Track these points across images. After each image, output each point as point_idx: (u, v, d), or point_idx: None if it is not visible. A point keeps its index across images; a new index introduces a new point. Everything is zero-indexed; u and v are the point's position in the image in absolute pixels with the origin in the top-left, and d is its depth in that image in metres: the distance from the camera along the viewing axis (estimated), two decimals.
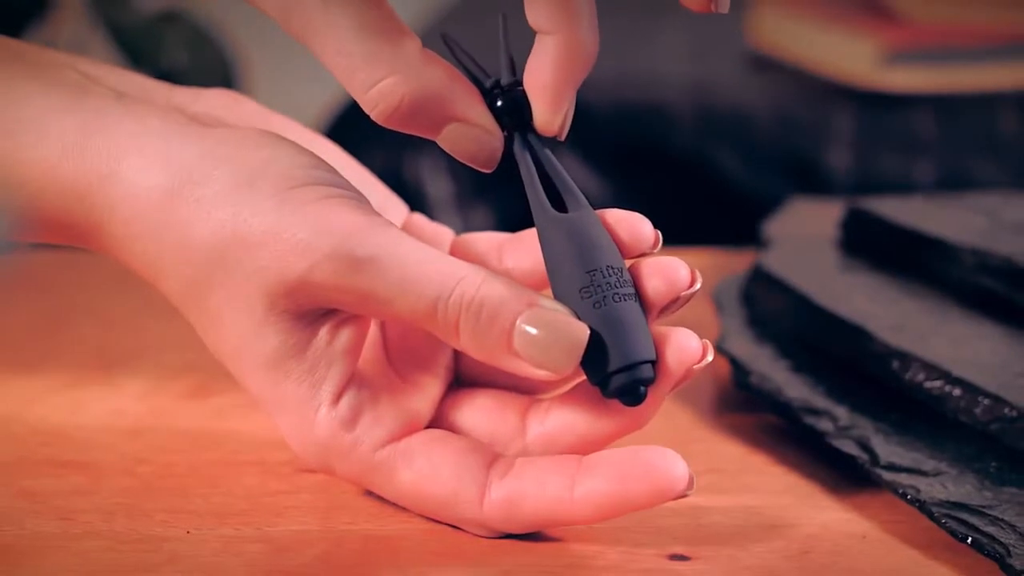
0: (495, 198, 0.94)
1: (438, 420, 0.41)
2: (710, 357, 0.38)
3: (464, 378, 0.43)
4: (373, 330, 0.41)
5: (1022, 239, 0.52)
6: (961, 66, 0.97)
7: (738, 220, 0.88)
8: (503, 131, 0.39)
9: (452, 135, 0.38)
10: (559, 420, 0.39)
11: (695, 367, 0.37)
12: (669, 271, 0.38)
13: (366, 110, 0.38)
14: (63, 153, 0.39)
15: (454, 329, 0.37)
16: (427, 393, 0.41)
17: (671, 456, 0.37)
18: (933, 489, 0.40)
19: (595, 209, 0.39)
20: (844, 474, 0.43)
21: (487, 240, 0.42)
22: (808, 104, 0.97)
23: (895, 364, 0.45)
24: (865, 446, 0.42)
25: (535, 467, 0.38)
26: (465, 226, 0.92)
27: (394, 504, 0.40)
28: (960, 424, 0.43)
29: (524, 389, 0.42)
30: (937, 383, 0.44)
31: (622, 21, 1.31)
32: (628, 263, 0.38)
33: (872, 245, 0.56)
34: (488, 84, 0.39)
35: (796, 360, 0.49)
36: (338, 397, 0.39)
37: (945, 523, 0.38)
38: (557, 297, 0.38)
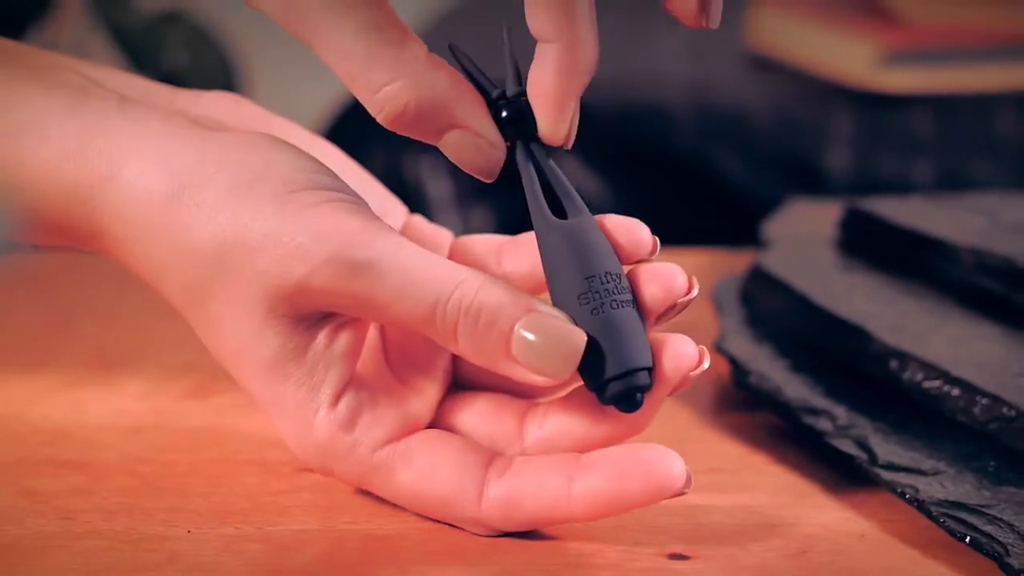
0: (495, 199, 0.94)
1: (436, 423, 0.41)
2: (706, 364, 0.38)
3: (462, 381, 0.43)
4: (372, 333, 0.41)
5: (1021, 239, 0.52)
6: (960, 67, 0.97)
7: (737, 220, 0.88)
8: (507, 140, 0.39)
9: (454, 142, 0.39)
10: (557, 424, 0.39)
11: (692, 374, 0.37)
12: (667, 278, 0.38)
13: (372, 113, 0.38)
14: (64, 156, 0.39)
15: (452, 334, 0.37)
16: (426, 395, 0.41)
17: (669, 454, 0.37)
18: (932, 488, 0.40)
19: (595, 214, 0.39)
20: (843, 473, 0.43)
21: (486, 243, 0.42)
22: (807, 105, 0.97)
23: (894, 364, 0.45)
24: (864, 445, 0.42)
25: (533, 466, 0.38)
26: (465, 226, 0.92)
27: (394, 504, 0.40)
28: (958, 424, 0.43)
29: (522, 393, 0.42)
30: (936, 383, 0.44)
31: (622, 21, 1.31)
32: (626, 269, 0.38)
33: (871, 245, 0.56)
34: (493, 94, 0.39)
35: (795, 360, 0.49)
36: (336, 399, 0.39)
37: (944, 522, 0.38)
38: (555, 303, 0.38)
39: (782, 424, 0.46)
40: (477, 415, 0.41)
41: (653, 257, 0.39)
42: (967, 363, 0.44)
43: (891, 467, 0.41)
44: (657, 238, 0.39)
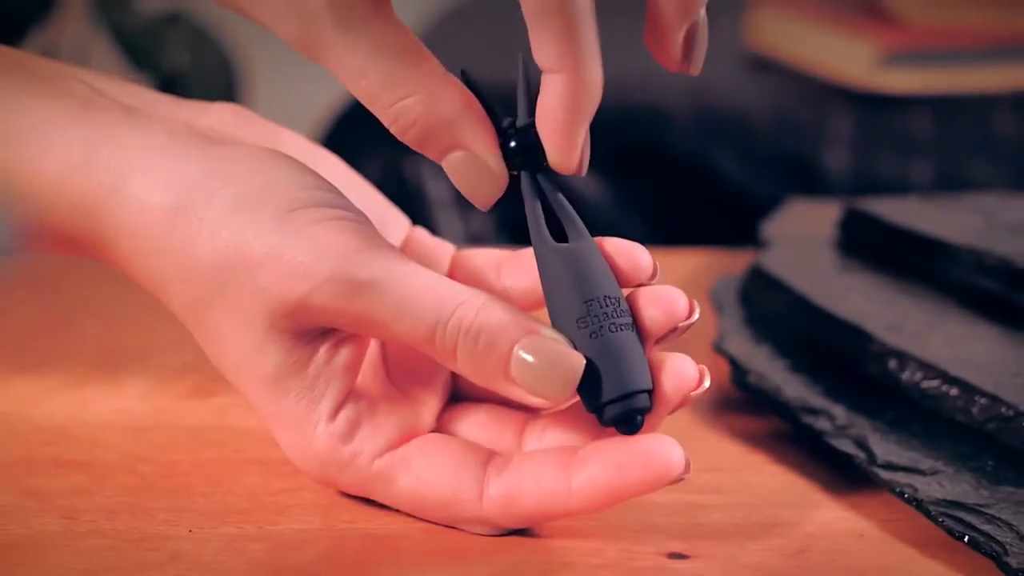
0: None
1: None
2: (707, 383, 0.38)
3: (462, 394, 0.43)
4: (372, 345, 0.41)
5: (1019, 239, 0.52)
6: (958, 67, 0.97)
7: (737, 220, 0.88)
8: (514, 170, 0.39)
9: (456, 163, 0.39)
10: (556, 438, 0.40)
11: (692, 394, 0.38)
12: (668, 302, 0.38)
13: (387, 126, 0.38)
14: (70, 167, 0.39)
15: (452, 353, 0.37)
16: (425, 406, 0.41)
17: (666, 441, 0.37)
18: (930, 488, 0.40)
19: (596, 236, 0.39)
20: (842, 473, 0.43)
21: (486, 257, 0.42)
22: (806, 105, 0.97)
23: (892, 364, 0.45)
24: (863, 445, 0.43)
25: (532, 462, 0.38)
26: (465, 227, 0.92)
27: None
28: (957, 423, 0.43)
29: (521, 405, 0.42)
30: (934, 382, 0.44)
31: (621, 22, 1.31)
32: (626, 292, 0.38)
33: (870, 245, 0.56)
34: (503, 124, 0.39)
35: (794, 359, 0.49)
36: (336, 412, 0.39)
37: (942, 521, 0.38)
38: (555, 326, 0.38)
39: (781, 424, 0.46)
40: (476, 427, 0.41)
41: (653, 281, 0.39)
42: (965, 363, 0.44)
43: (890, 466, 0.41)
44: (657, 263, 0.39)
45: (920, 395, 0.44)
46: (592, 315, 0.37)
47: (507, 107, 0.40)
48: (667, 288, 0.38)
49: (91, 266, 0.63)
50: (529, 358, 0.36)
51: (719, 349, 0.50)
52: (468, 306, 0.37)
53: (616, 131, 0.95)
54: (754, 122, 0.96)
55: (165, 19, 0.96)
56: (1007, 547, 0.37)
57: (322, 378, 0.39)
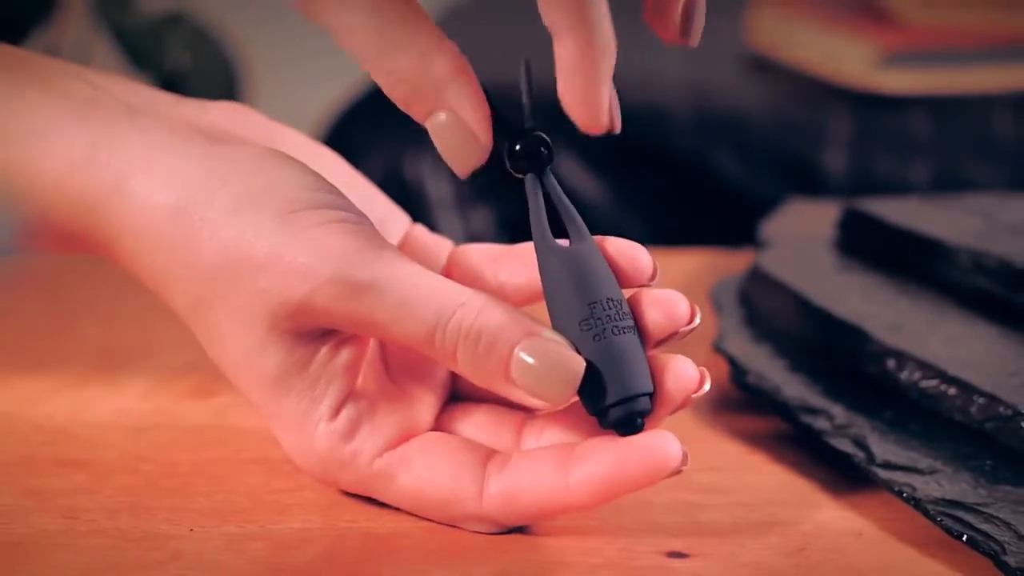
0: (495, 199, 0.94)
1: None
2: (707, 386, 0.38)
3: (461, 393, 0.43)
4: (372, 345, 0.41)
5: (1017, 240, 0.52)
6: (957, 68, 0.97)
7: (736, 221, 0.88)
8: (520, 173, 0.39)
9: (439, 125, 0.38)
10: (554, 437, 0.40)
11: (692, 396, 0.38)
12: (669, 306, 0.38)
13: (378, 84, 0.38)
14: (71, 165, 0.39)
15: (452, 355, 0.37)
16: (425, 404, 0.41)
17: (663, 434, 0.37)
18: (929, 487, 0.40)
19: (596, 235, 0.39)
20: (841, 472, 0.43)
21: (483, 252, 0.42)
22: (805, 105, 0.98)
23: (891, 363, 0.45)
24: (861, 444, 0.43)
25: (531, 459, 0.38)
26: (466, 227, 0.92)
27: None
28: (955, 423, 0.43)
29: (520, 405, 0.42)
30: (933, 382, 0.44)
31: (621, 21, 1.31)
32: (626, 293, 0.39)
33: (869, 245, 0.57)
34: (509, 128, 0.39)
35: (793, 359, 0.49)
36: (337, 412, 0.39)
37: (941, 521, 0.38)
38: (556, 328, 0.38)
39: (780, 423, 0.46)
40: (475, 427, 0.41)
41: (653, 282, 0.39)
42: (964, 363, 0.44)
43: (888, 466, 0.41)
44: (657, 264, 0.39)
45: (919, 395, 0.44)
46: (595, 317, 0.37)
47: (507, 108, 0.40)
48: (669, 292, 0.38)
49: (91, 266, 0.63)
50: (530, 360, 0.37)
51: (718, 349, 0.50)
52: (468, 308, 0.37)
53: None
54: (753, 122, 0.96)
55: (166, 19, 0.96)
56: (1005, 546, 0.37)
57: (323, 378, 0.39)
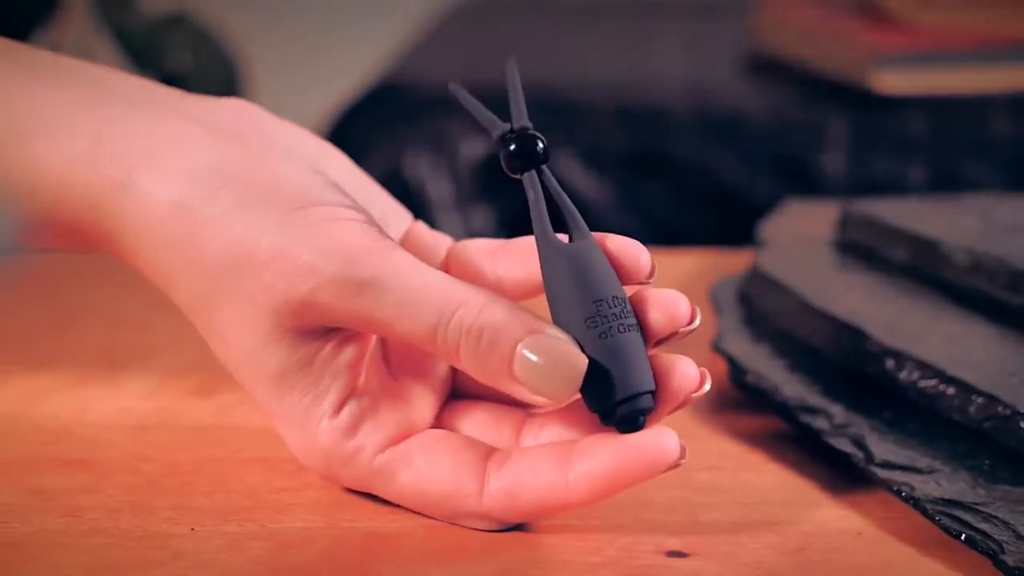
0: (495, 199, 0.94)
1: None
2: (707, 386, 0.38)
3: (461, 390, 0.43)
4: (374, 342, 0.42)
5: (1015, 240, 0.52)
6: (954, 69, 0.97)
7: (735, 221, 0.89)
8: (516, 173, 0.39)
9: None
10: (553, 435, 0.40)
11: (693, 395, 0.38)
12: (670, 306, 0.38)
13: (450, 354, 0.38)
14: (76, 161, 0.39)
15: (455, 353, 0.37)
16: (425, 401, 0.41)
17: (661, 429, 0.37)
18: (927, 486, 0.40)
19: (594, 232, 0.39)
20: (840, 472, 0.43)
21: (480, 247, 0.43)
22: (804, 106, 0.98)
23: (890, 363, 0.45)
24: (860, 444, 0.43)
25: (531, 456, 0.38)
26: (465, 227, 0.92)
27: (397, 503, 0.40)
28: (954, 422, 0.43)
29: (520, 403, 0.43)
30: (931, 382, 0.44)
31: (622, 23, 1.31)
32: (627, 292, 0.39)
33: (867, 246, 0.57)
34: (500, 131, 0.40)
35: (792, 359, 0.49)
36: (339, 408, 0.39)
37: (939, 520, 0.38)
38: (560, 325, 0.38)
39: (780, 423, 0.47)
40: (475, 424, 0.41)
41: (651, 280, 0.39)
42: (962, 362, 0.44)
43: (887, 465, 0.41)
44: (656, 262, 0.39)
45: (917, 394, 0.44)
46: (601, 315, 0.37)
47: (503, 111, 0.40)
48: (670, 292, 0.38)
49: (93, 266, 0.63)
50: (533, 357, 0.37)
51: (718, 348, 0.50)
52: (470, 305, 0.37)
53: (616, 131, 0.95)
54: (753, 123, 0.96)
55: (167, 20, 0.96)
56: (1004, 545, 0.37)
57: (326, 375, 0.39)
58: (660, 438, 0.37)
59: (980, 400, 0.42)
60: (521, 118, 0.40)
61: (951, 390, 0.43)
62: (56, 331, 0.56)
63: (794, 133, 0.95)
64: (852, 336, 0.47)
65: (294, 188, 0.39)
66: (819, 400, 0.46)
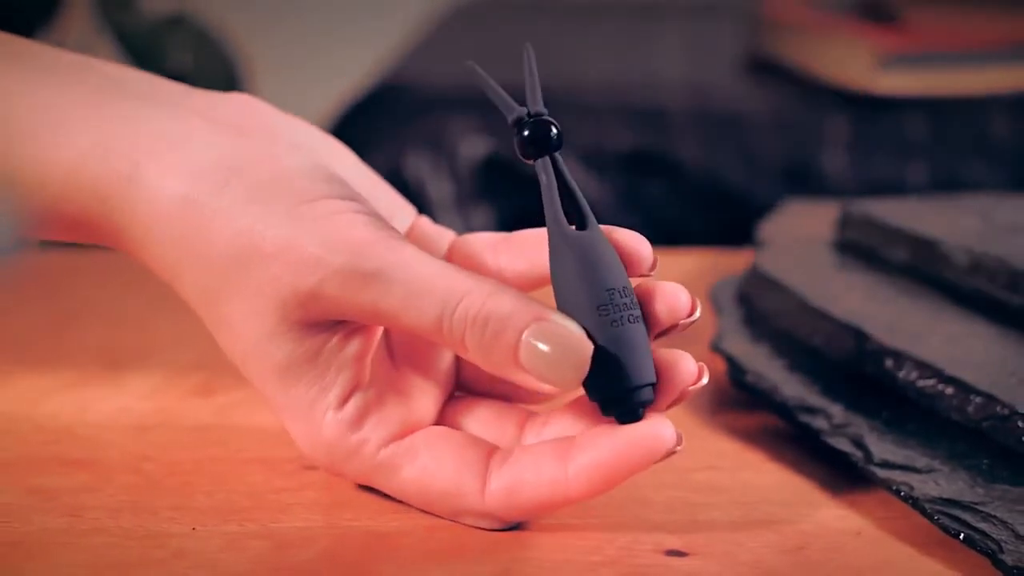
0: (495, 199, 0.94)
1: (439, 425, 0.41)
2: (705, 380, 0.38)
3: (465, 387, 0.43)
4: (379, 337, 0.42)
5: (1015, 240, 0.52)
6: (953, 70, 0.97)
7: (735, 221, 0.89)
8: (529, 159, 0.39)
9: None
10: (555, 432, 0.40)
11: (691, 389, 0.38)
12: (672, 298, 0.38)
13: (457, 343, 0.38)
14: (84, 155, 0.39)
15: (461, 342, 0.37)
16: (429, 395, 0.42)
17: (656, 418, 0.37)
18: (926, 486, 0.40)
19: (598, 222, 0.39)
20: (839, 471, 0.43)
21: (482, 240, 0.43)
22: (804, 107, 0.98)
23: (889, 363, 0.46)
24: (859, 444, 0.43)
25: (531, 453, 0.39)
26: (466, 227, 0.92)
27: (396, 501, 0.41)
28: (953, 422, 0.43)
29: (522, 400, 0.43)
30: (930, 382, 0.44)
31: (622, 23, 1.31)
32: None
33: (867, 246, 0.57)
34: (515, 115, 0.39)
35: (791, 359, 0.49)
36: (345, 401, 0.39)
37: (938, 519, 0.39)
38: (569, 312, 0.38)
39: (779, 422, 0.47)
40: (478, 421, 0.42)
41: (652, 272, 0.39)
42: (961, 362, 0.44)
43: (886, 465, 0.42)
44: (657, 255, 0.39)
45: (916, 394, 0.44)
46: (613, 304, 0.37)
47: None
48: (671, 284, 0.39)
49: (95, 267, 0.63)
50: (539, 344, 0.37)
51: (717, 348, 0.50)
52: (475, 295, 0.37)
53: (616, 131, 0.95)
54: (753, 124, 0.96)
55: (168, 21, 0.96)
56: (1002, 544, 0.37)
57: (333, 367, 0.39)
58: (656, 427, 0.37)
59: (979, 400, 0.42)
60: (536, 103, 0.40)
61: (950, 390, 0.43)
62: (56, 331, 0.57)
63: (794, 133, 0.95)
64: (851, 336, 0.47)
65: (300, 181, 0.39)
66: (818, 400, 0.46)
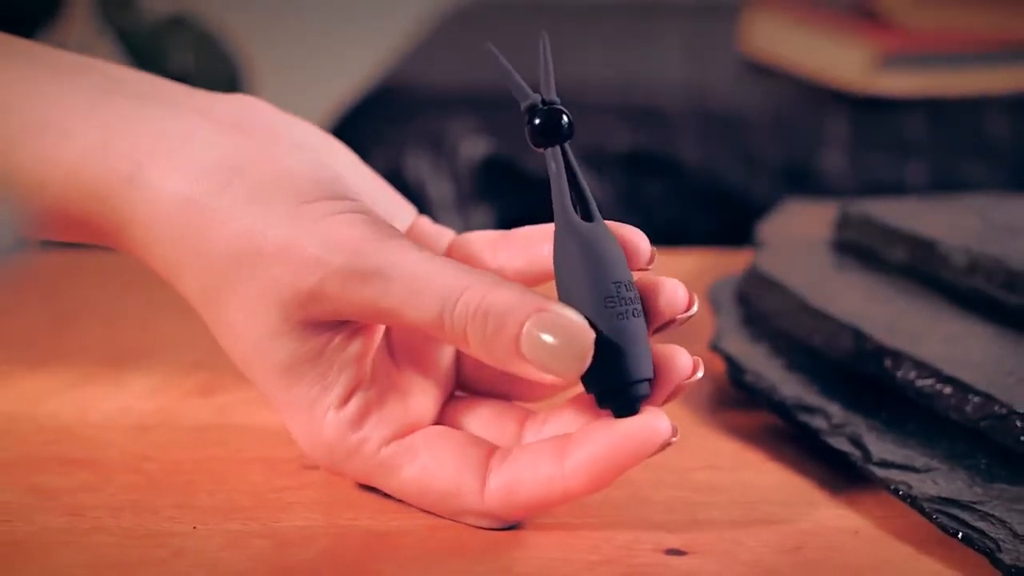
0: (495, 199, 0.94)
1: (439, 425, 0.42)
2: (700, 373, 0.38)
3: (465, 386, 0.43)
4: (380, 337, 0.42)
5: (1013, 240, 0.52)
6: (951, 70, 0.97)
7: (734, 221, 0.89)
8: (540, 147, 0.39)
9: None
10: (555, 430, 0.40)
11: (686, 383, 0.38)
12: (670, 293, 0.39)
13: (460, 339, 0.38)
14: (85, 155, 0.40)
15: (463, 337, 0.37)
16: (430, 395, 0.42)
17: (651, 410, 0.38)
18: (925, 485, 0.40)
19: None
20: (838, 471, 0.43)
21: (480, 238, 0.43)
22: (803, 108, 0.98)
23: (887, 363, 0.46)
24: (858, 443, 0.43)
25: (528, 451, 0.39)
26: (466, 227, 0.92)
27: (396, 500, 0.41)
28: (951, 422, 0.43)
29: (521, 399, 0.43)
30: (929, 381, 0.44)
31: (621, 24, 1.31)
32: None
33: (865, 246, 0.57)
34: (529, 102, 0.39)
35: (790, 359, 0.49)
36: (346, 400, 0.39)
37: (936, 519, 0.39)
38: (574, 303, 0.38)
39: (778, 422, 0.47)
40: (478, 421, 0.42)
41: (650, 267, 0.39)
42: (960, 362, 0.44)
43: (885, 464, 0.42)
44: (655, 249, 0.39)
45: (915, 394, 0.44)
46: (620, 297, 0.37)
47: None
48: (669, 279, 0.39)
49: (96, 267, 0.63)
50: (541, 334, 0.37)
51: (716, 348, 0.50)
52: (475, 289, 0.37)
53: (615, 132, 0.95)
54: (752, 124, 0.96)
55: (169, 22, 0.96)
56: (1000, 544, 0.37)
57: (335, 366, 0.39)
58: (651, 420, 0.37)
59: (977, 399, 0.42)
60: (550, 92, 0.40)
61: (948, 389, 0.43)
62: (57, 331, 0.57)
63: (794, 133, 0.95)
64: (850, 336, 0.47)
65: (300, 181, 0.39)
66: (817, 399, 0.46)
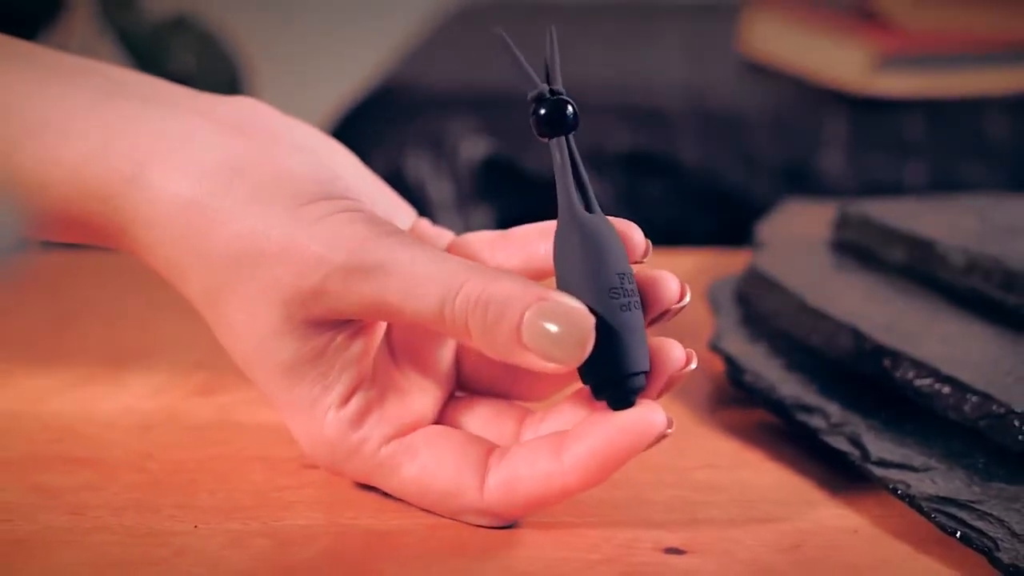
0: (495, 200, 0.94)
1: (439, 424, 0.42)
2: (693, 365, 0.39)
3: (465, 386, 0.44)
4: (380, 336, 0.42)
5: (1012, 240, 0.52)
6: (950, 71, 0.97)
7: (734, 222, 0.89)
8: (545, 138, 0.39)
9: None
10: (553, 427, 0.40)
11: (679, 374, 0.38)
12: (662, 284, 0.39)
13: (460, 331, 0.38)
14: (87, 155, 0.40)
15: (464, 329, 0.38)
16: (430, 394, 0.42)
17: (646, 403, 0.38)
18: (923, 484, 0.40)
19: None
20: (836, 470, 0.43)
21: (479, 239, 0.43)
22: (802, 109, 0.98)
23: (886, 362, 0.46)
24: (856, 442, 0.43)
25: (527, 448, 0.39)
26: (466, 228, 0.93)
27: (397, 500, 0.41)
28: (949, 421, 0.43)
29: (521, 397, 0.43)
30: (927, 381, 0.44)
31: (622, 23, 1.31)
32: None
33: (864, 246, 0.57)
34: (536, 92, 0.40)
35: (789, 358, 0.49)
36: (347, 399, 0.40)
37: (935, 518, 0.39)
38: (577, 294, 0.38)
39: (777, 421, 0.47)
40: (477, 420, 0.42)
41: (645, 260, 0.40)
42: (958, 362, 0.45)
43: (883, 463, 0.42)
44: (649, 242, 0.40)
45: (913, 393, 0.45)
46: (623, 289, 0.38)
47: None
48: (661, 271, 0.39)
49: (98, 267, 0.63)
50: (542, 322, 0.37)
51: (715, 348, 0.50)
52: (475, 281, 0.37)
53: (615, 132, 0.95)
54: (751, 125, 0.96)
55: (171, 23, 0.96)
56: (998, 543, 0.37)
57: (336, 366, 0.39)
58: (647, 412, 0.37)
59: (975, 399, 0.43)
60: (556, 83, 0.40)
61: (946, 389, 0.43)
62: (58, 330, 0.57)
63: (793, 134, 0.95)
64: (849, 335, 0.47)
65: (301, 182, 0.39)
66: (816, 399, 0.46)
